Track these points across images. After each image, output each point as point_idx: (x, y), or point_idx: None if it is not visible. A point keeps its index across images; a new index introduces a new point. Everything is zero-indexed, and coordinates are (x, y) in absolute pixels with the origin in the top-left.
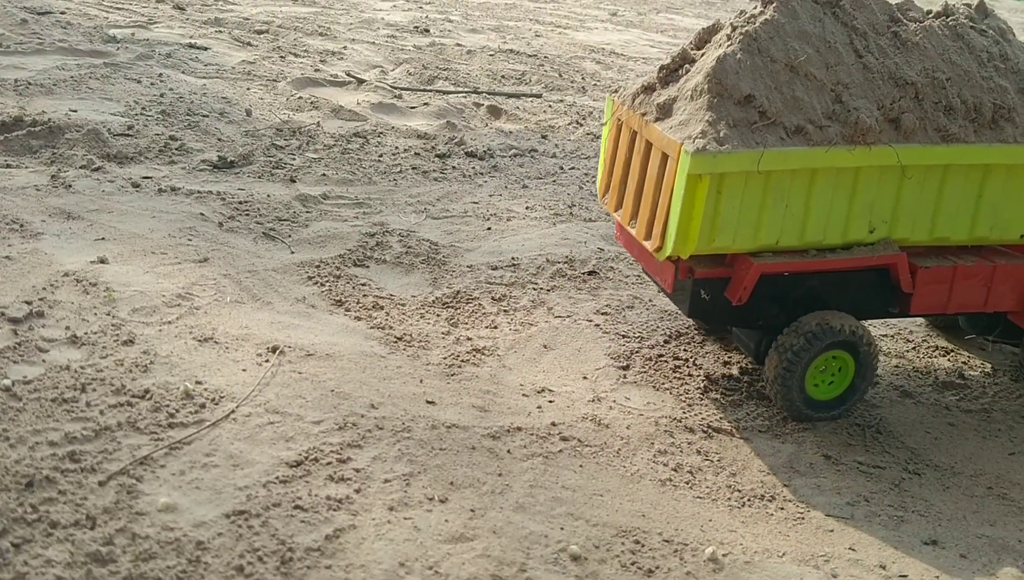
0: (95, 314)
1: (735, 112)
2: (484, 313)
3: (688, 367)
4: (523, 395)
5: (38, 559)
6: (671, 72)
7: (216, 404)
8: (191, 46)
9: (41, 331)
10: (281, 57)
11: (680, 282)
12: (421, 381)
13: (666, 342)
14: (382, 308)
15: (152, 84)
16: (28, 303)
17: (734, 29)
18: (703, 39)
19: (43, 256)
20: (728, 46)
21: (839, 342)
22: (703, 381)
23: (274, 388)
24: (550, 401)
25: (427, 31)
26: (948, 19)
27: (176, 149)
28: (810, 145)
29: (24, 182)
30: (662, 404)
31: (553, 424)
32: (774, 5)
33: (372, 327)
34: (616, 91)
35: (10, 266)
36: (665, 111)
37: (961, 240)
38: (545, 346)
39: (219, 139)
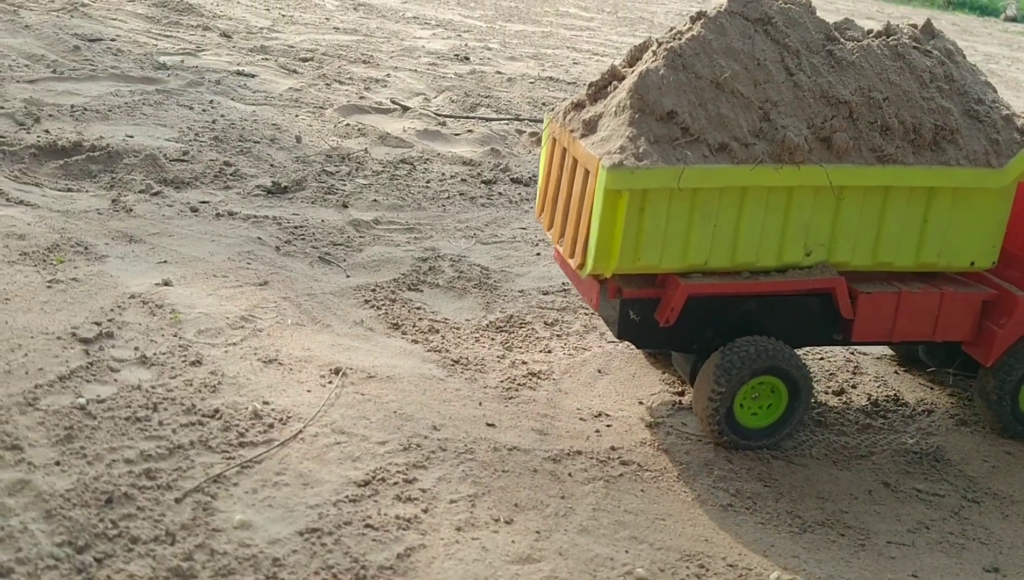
0: (162, 335)
1: (656, 128)
2: (537, 337)
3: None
4: (580, 419)
5: (120, 574)
6: (600, 89)
7: (284, 424)
8: (239, 73)
9: (111, 351)
10: (327, 84)
11: (609, 302)
12: (480, 404)
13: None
14: (437, 331)
15: (204, 110)
16: (98, 324)
17: (660, 45)
18: (635, 56)
19: (109, 278)
20: (652, 62)
21: (768, 368)
22: None
23: (339, 409)
24: (608, 425)
25: (467, 59)
26: (889, 39)
27: (231, 174)
28: (734, 163)
29: (86, 206)
30: None
31: (612, 448)
32: (701, 22)
33: (429, 350)
34: (553, 108)
35: (78, 288)
36: (590, 127)
37: (907, 266)
38: (600, 371)
39: (271, 165)
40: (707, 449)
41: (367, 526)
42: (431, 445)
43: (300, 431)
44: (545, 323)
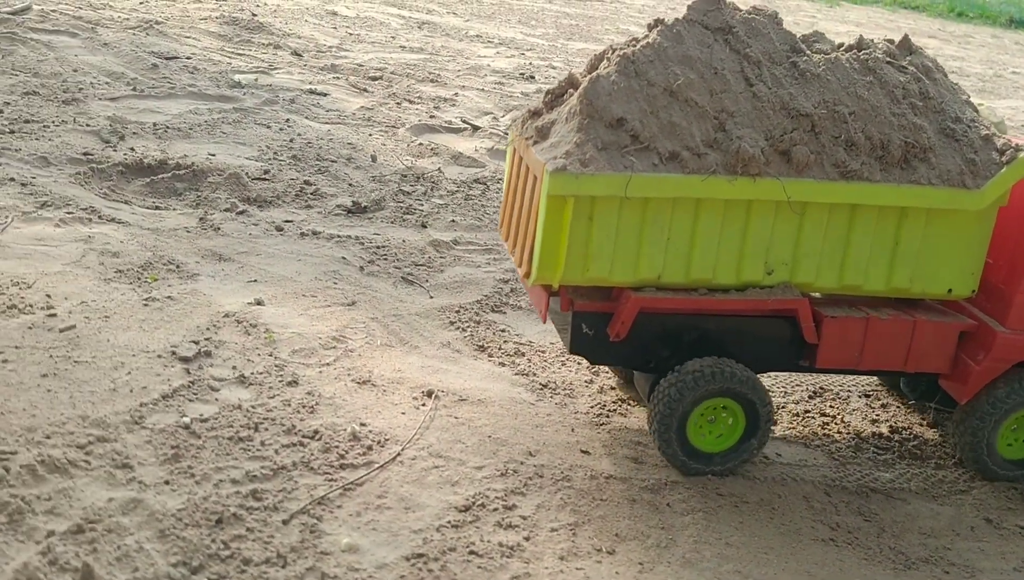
0: (258, 355)
1: (605, 135)
2: None
3: (836, 424)
4: None
5: None
6: (557, 97)
7: (382, 447)
8: (312, 92)
9: (210, 370)
10: (397, 103)
11: (561, 315)
12: (572, 430)
13: (811, 398)
14: (523, 354)
15: (281, 129)
16: (195, 343)
17: (614, 52)
18: (594, 64)
19: (202, 297)
20: (604, 68)
21: (722, 390)
22: (853, 439)
23: (434, 432)
24: None
25: (532, 77)
26: (860, 52)
27: (311, 194)
28: (685, 172)
29: (175, 224)
30: (814, 461)
31: (709, 479)
32: (658, 29)
33: (517, 373)
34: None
35: (173, 306)
36: (543, 134)
37: (878, 290)
38: None
39: (350, 184)
40: (802, 481)
41: (471, 552)
42: (527, 471)
43: (398, 454)
44: None
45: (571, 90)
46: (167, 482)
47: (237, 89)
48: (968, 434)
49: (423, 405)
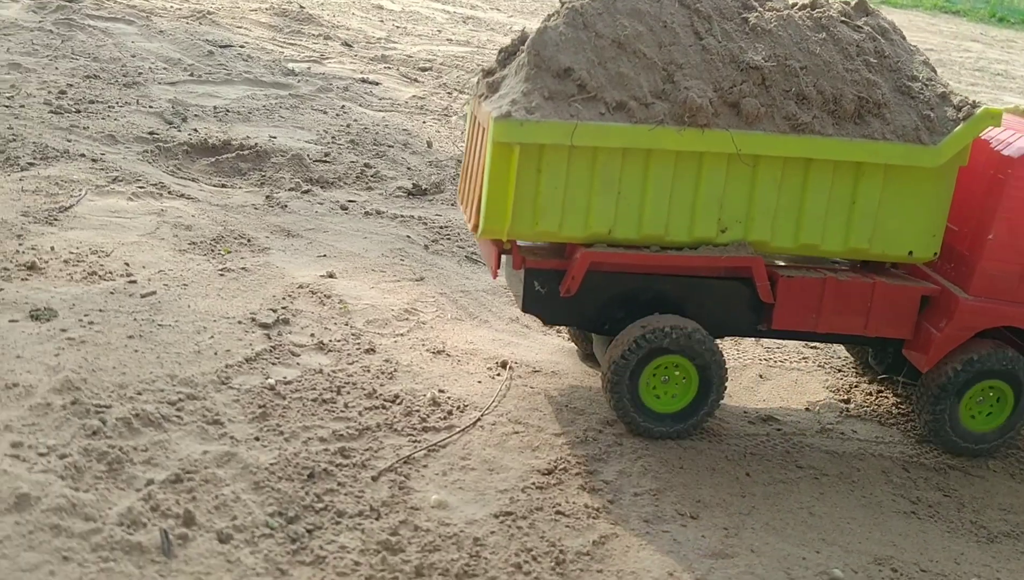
0: (335, 324)
1: (552, 84)
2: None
3: (909, 404)
4: (749, 422)
5: (332, 544)
6: (510, 54)
7: (461, 412)
8: (364, 81)
9: (290, 337)
10: (448, 93)
11: (515, 274)
12: None
13: (883, 378)
14: None
15: (337, 115)
16: (273, 311)
17: (563, 5)
18: (544, 22)
19: (275, 269)
20: (552, 20)
21: (669, 348)
22: None
23: (511, 400)
24: (778, 429)
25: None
26: (813, 11)
27: (371, 176)
28: (633, 122)
29: (242, 201)
30: (891, 439)
31: (787, 452)
32: None
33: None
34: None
35: (248, 277)
36: (493, 88)
37: (836, 251)
38: (761, 376)
39: (408, 168)
40: (880, 457)
41: (558, 512)
42: (607, 439)
43: (478, 419)
44: None
45: (523, 47)
46: (257, 438)
47: (291, 77)
48: (929, 406)
49: (498, 375)
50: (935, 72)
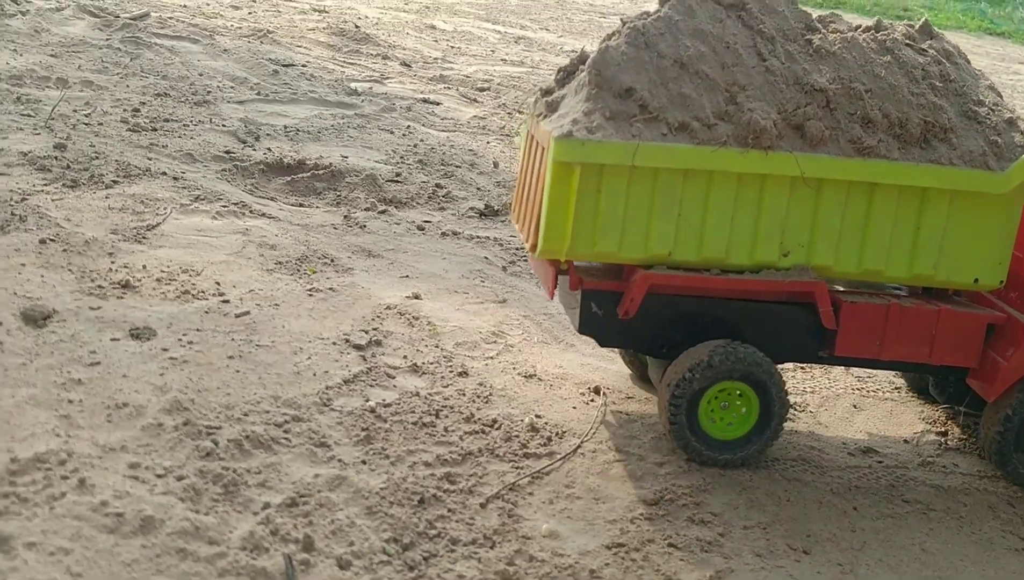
0: (426, 346)
1: (613, 104)
2: (781, 369)
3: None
4: (849, 454)
5: (450, 573)
6: (569, 74)
7: (560, 438)
8: (425, 101)
9: (383, 358)
10: (508, 113)
11: (571, 294)
12: None
13: (944, 409)
14: None
15: (404, 135)
16: (365, 332)
17: (624, 24)
18: (605, 41)
19: (361, 289)
20: (614, 39)
21: (731, 373)
22: None
23: (609, 427)
24: (879, 462)
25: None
26: (878, 33)
27: (443, 196)
28: (695, 143)
29: (321, 221)
30: (993, 473)
31: (892, 486)
32: (670, 3)
33: None
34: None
35: (336, 298)
36: (552, 108)
37: (899, 277)
38: (855, 406)
39: (477, 188)
40: (986, 491)
41: (670, 545)
42: (710, 471)
43: (579, 447)
44: None
45: (582, 66)
46: (364, 462)
47: (354, 97)
48: (996, 437)
49: (592, 401)
50: (1001, 97)
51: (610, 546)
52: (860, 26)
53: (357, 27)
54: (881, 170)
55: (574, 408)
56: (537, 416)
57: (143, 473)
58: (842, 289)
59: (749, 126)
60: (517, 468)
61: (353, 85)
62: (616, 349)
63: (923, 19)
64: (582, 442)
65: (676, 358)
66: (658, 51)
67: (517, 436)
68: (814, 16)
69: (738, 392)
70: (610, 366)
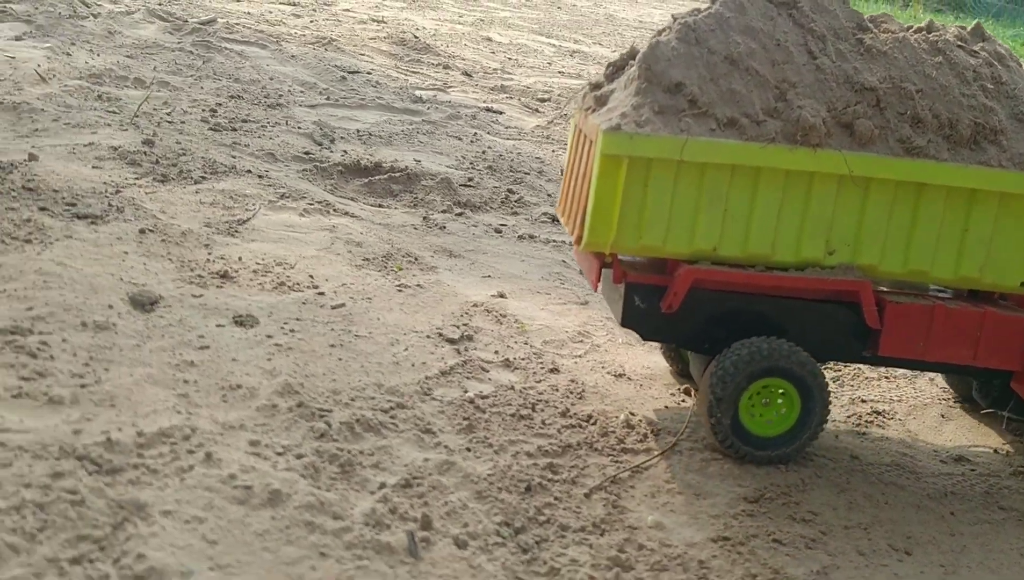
0: (515, 342)
1: (663, 99)
2: (866, 376)
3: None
4: (941, 462)
5: (562, 557)
6: (618, 69)
7: (656, 436)
8: (488, 110)
9: (476, 353)
10: (569, 123)
11: (614, 287)
12: (836, 436)
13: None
14: None
15: (471, 142)
16: (457, 327)
17: (675, 20)
18: (656, 37)
19: (447, 287)
20: (665, 34)
21: (770, 370)
22: None
23: (703, 428)
24: (972, 470)
25: None
26: (929, 34)
27: (515, 201)
28: (744, 139)
29: (401, 221)
30: None
31: (987, 493)
32: (721, 0)
33: None
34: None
35: (424, 294)
36: (601, 102)
37: (944, 278)
38: (943, 416)
39: (547, 194)
40: None
41: (775, 540)
42: (807, 472)
43: (675, 444)
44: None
45: (631, 61)
46: (469, 449)
47: (420, 104)
48: None
49: (683, 401)
50: None
51: (715, 539)
52: (912, 27)
53: (416, 37)
54: (929, 170)
55: (666, 407)
56: (631, 413)
57: (263, 450)
58: (887, 289)
59: (798, 123)
60: (616, 462)
61: (418, 93)
62: (655, 342)
63: (975, 22)
64: (677, 440)
65: (718, 354)
66: (708, 47)
67: (613, 431)
68: (866, 16)
69: (780, 390)
70: None
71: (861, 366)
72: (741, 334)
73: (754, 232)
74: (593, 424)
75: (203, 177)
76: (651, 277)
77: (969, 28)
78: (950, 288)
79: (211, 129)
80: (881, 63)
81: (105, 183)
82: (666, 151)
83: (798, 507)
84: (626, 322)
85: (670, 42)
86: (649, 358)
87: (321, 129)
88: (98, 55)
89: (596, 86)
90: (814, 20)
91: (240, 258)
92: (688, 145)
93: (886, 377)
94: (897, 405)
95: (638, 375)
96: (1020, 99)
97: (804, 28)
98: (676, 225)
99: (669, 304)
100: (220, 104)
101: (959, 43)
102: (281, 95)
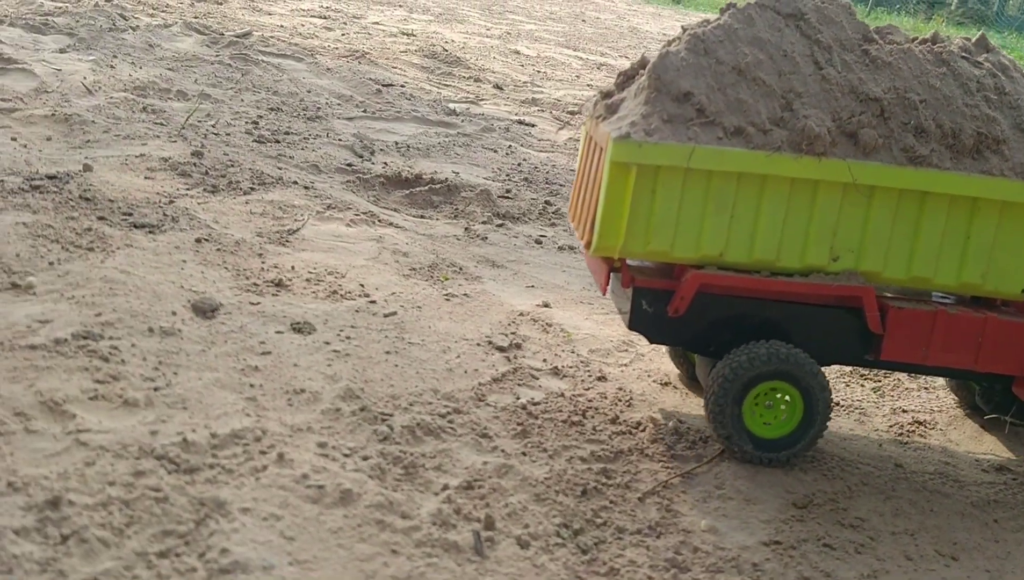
0: (563, 351)
1: (671, 108)
2: (906, 387)
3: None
4: (983, 471)
5: (621, 558)
6: (629, 78)
7: (704, 443)
8: (520, 122)
9: (525, 361)
10: None
11: (624, 291)
12: (880, 446)
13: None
14: None
15: (507, 154)
16: (505, 335)
17: (685, 31)
18: (665, 47)
19: (492, 297)
20: (674, 45)
21: (774, 372)
22: None
23: None
24: (1014, 479)
25: None
26: (934, 45)
27: (553, 213)
28: (750, 148)
29: (444, 232)
30: None
31: None
32: (730, 12)
33: None
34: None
35: (471, 303)
36: (612, 110)
37: (947, 285)
38: (982, 426)
39: None
40: None
41: (824, 545)
42: (852, 479)
43: (722, 451)
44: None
45: (641, 71)
46: (524, 453)
47: (453, 117)
48: None
49: None
50: None
51: (767, 543)
52: (917, 38)
53: (446, 50)
54: (932, 179)
55: None
56: (680, 421)
57: (331, 452)
58: (890, 295)
59: (803, 132)
60: (667, 467)
61: (451, 105)
62: (665, 347)
63: (979, 33)
64: (723, 449)
65: (723, 357)
66: (717, 57)
67: (663, 439)
68: (871, 28)
69: (782, 393)
70: None
71: (901, 377)
72: (746, 337)
73: (760, 238)
74: (643, 431)
75: (252, 188)
76: (658, 281)
77: (974, 39)
78: (953, 294)
79: (255, 141)
80: (886, 74)
81: (158, 193)
82: (674, 159)
83: (846, 513)
84: (634, 325)
85: (679, 52)
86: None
87: (361, 141)
88: (140, 67)
89: (607, 94)
90: (820, 31)
91: (293, 267)
92: (695, 153)
93: (925, 388)
94: (938, 415)
95: (683, 385)
96: (1023, 109)
97: (811, 39)
98: (683, 231)
99: (676, 308)
100: (261, 116)
101: (963, 54)
102: (319, 108)
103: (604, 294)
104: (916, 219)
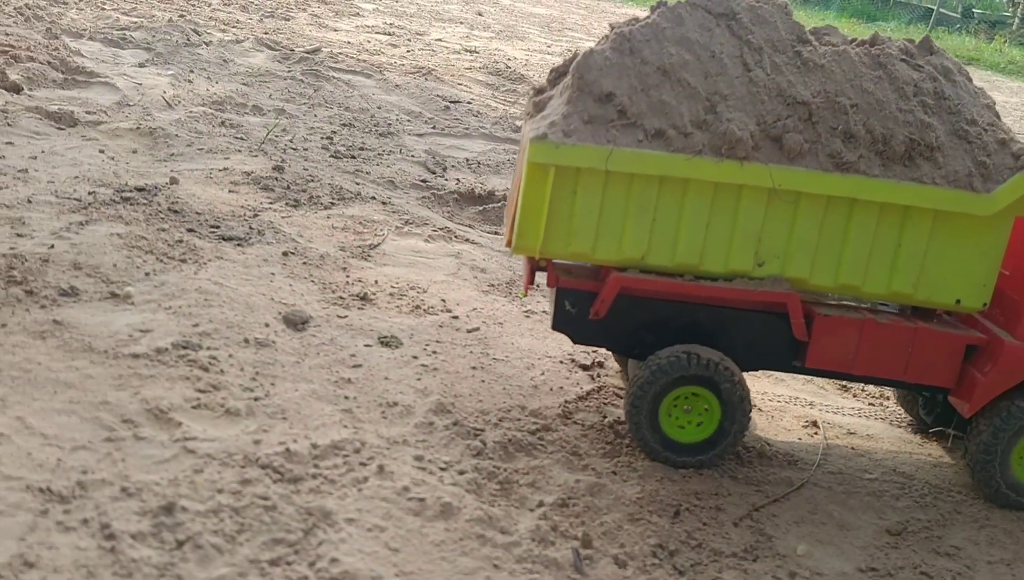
0: None
1: (593, 108)
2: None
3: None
4: None
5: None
6: (560, 74)
7: (791, 466)
8: None
9: (608, 379)
10: None
11: (549, 291)
12: (973, 476)
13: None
14: (888, 397)
15: None
16: (587, 353)
17: (612, 29)
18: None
19: None
20: (599, 44)
21: (691, 377)
22: None
23: (838, 459)
24: None
25: None
26: (872, 48)
27: None
28: (670, 151)
29: None
30: None
31: None
32: (659, 10)
33: (887, 415)
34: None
35: (548, 321)
36: (539, 108)
37: (877, 294)
38: None
39: None
40: None
41: (921, 573)
42: (945, 506)
43: (811, 475)
44: None
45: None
46: (615, 472)
47: (519, 134)
48: (978, 455)
49: (815, 434)
50: (999, 117)
51: (864, 570)
52: (855, 39)
53: (509, 67)
54: (859, 186)
55: (799, 439)
56: (767, 444)
57: (428, 465)
58: (831, 302)
59: (725, 136)
60: (757, 490)
61: (518, 123)
62: (588, 346)
63: (924, 35)
64: (813, 470)
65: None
66: (642, 57)
67: (750, 462)
68: (808, 28)
69: (700, 398)
70: (820, 401)
71: None
72: (670, 341)
73: (683, 242)
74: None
75: (332, 203)
76: (584, 283)
77: (918, 41)
78: (888, 303)
79: (332, 156)
80: (817, 76)
81: (243, 207)
82: (591, 161)
83: (940, 541)
84: (557, 326)
85: (604, 51)
86: (775, 390)
87: (433, 157)
88: (216, 82)
89: (539, 91)
90: (752, 32)
91: (376, 281)
92: (613, 156)
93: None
94: None
95: (768, 407)
96: (962, 115)
97: (742, 40)
98: (605, 233)
99: (596, 310)
100: (335, 132)
101: (903, 57)
102: (390, 124)
103: (525, 295)
104: (844, 226)
